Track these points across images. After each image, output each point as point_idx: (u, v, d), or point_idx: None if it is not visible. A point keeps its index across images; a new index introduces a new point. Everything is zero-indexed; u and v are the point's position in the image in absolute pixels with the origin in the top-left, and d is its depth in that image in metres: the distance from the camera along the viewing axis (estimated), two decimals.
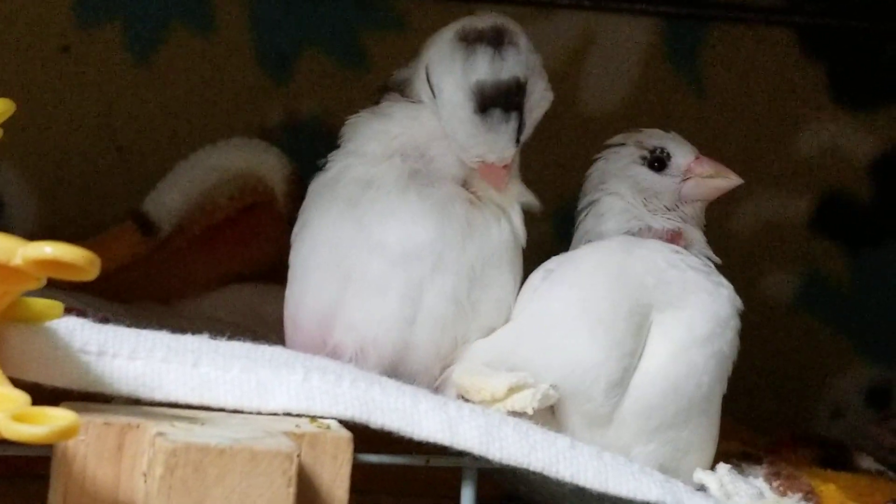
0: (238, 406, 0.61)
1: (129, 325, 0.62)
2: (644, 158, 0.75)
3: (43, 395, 0.56)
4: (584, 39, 1.07)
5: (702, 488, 0.68)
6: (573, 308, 0.70)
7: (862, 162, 1.10)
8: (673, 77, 1.08)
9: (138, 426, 0.57)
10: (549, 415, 0.69)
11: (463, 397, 0.68)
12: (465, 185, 0.72)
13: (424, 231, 0.70)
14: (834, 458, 0.81)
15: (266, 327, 0.79)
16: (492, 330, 0.72)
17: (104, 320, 0.62)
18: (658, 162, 0.75)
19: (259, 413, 0.61)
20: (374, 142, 0.73)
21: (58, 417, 0.51)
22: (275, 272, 0.77)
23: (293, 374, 0.62)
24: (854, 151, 1.09)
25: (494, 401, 0.67)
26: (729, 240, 1.07)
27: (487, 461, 0.63)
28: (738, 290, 0.74)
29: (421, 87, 0.72)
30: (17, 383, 0.55)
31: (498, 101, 0.69)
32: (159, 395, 0.60)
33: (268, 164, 0.90)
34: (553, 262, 0.73)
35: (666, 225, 0.74)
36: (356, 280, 0.70)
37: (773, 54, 1.09)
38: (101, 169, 1.00)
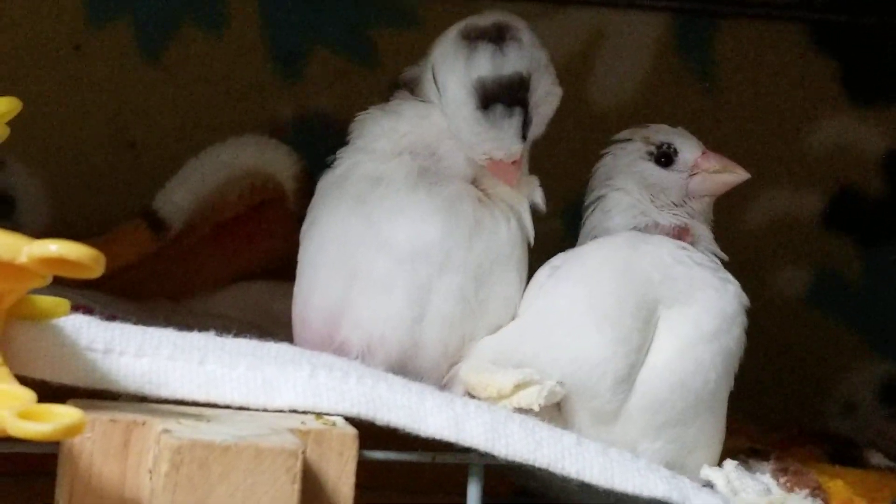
0: (244, 403, 0.61)
1: (136, 323, 0.63)
2: (651, 154, 0.75)
3: (50, 392, 0.56)
4: (595, 35, 1.07)
5: (708, 485, 0.68)
6: (579, 304, 0.70)
7: (874, 157, 1.09)
8: (684, 73, 1.08)
9: (144, 423, 0.57)
10: (556, 411, 0.69)
11: (470, 394, 0.69)
12: (474, 182, 0.73)
13: (433, 229, 0.70)
14: (843, 454, 0.81)
15: (276, 324, 0.79)
16: (499, 327, 0.72)
17: (111, 318, 0.63)
18: (665, 157, 0.75)
19: (265, 410, 0.61)
20: (384, 139, 0.73)
21: (63, 415, 0.52)
22: (285, 269, 0.77)
23: (299, 372, 0.62)
24: (866, 147, 1.09)
25: (501, 397, 0.67)
26: (741, 236, 1.07)
27: (493, 458, 0.63)
28: (751, 286, 0.74)
29: (428, 86, 0.72)
30: (24, 381, 0.55)
31: (500, 96, 0.69)
32: (165, 393, 0.60)
33: (277, 161, 0.90)
34: (559, 259, 0.74)
35: (673, 221, 0.74)
36: (364, 277, 0.70)
37: (784, 50, 1.08)
38: (113, 167, 1.01)
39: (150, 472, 0.56)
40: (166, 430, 0.56)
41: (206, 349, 0.62)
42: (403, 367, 0.70)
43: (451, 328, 0.71)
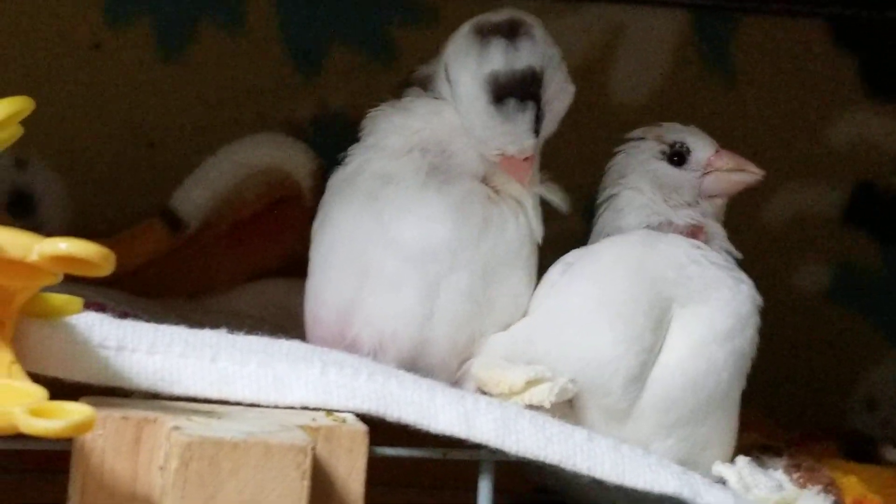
0: (255, 400, 0.62)
1: (152, 320, 0.63)
2: (664, 153, 0.75)
3: (63, 390, 0.56)
4: (614, 32, 1.07)
5: (721, 481, 0.68)
6: (592, 302, 0.70)
7: (894, 152, 1.09)
8: (703, 69, 1.08)
9: (155, 420, 0.58)
10: (568, 409, 0.69)
11: (482, 390, 0.69)
12: (484, 180, 0.73)
13: (442, 228, 0.70)
14: (859, 450, 0.80)
15: (293, 321, 0.79)
16: (507, 325, 0.72)
17: (123, 315, 0.63)
18: (678, 156, 0.75)
19: (276, 407, 0.62)
20: (395, 136, 0.73)
21: (74, 412, 0.52)
22: (302, 267, 0.77)
23: (310, 369, 0.63)
24: (886, 142, 1.09)
25: (512, 394, 0.67)
26: (761, 232, 1.07)
27: (504, 454, 0.63)
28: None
29: (441, 83, 0.73)
30: (37, 378, 0.56)
31: (513, 90, 0.69)
32: (178, 390, 0.61)
33: (294, 159, 0.91)
34: (572, 256, 0.74)
35: (686, 220, 0.74)
36: (374, 275, 0.71)
37: (804, 46, 1.08)
38: (133, 166, 1.01)
39: (161, 468, 0.57)
40: (176, 427, 0.56)
41: (218, 346, 0.62)
42: (414, 364, 0.70)
43: (460, 325, 0.71)
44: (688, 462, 0.68)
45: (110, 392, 0.60)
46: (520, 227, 0.73)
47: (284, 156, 0.91)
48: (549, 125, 0.72)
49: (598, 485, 0.64)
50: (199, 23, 1.02)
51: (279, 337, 0.65)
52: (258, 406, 0.62)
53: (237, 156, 0.90)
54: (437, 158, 0.72)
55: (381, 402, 0.62)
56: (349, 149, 0.75)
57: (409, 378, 0.64)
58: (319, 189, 0.84)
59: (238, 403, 0.62)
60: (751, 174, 0.74)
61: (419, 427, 0.62)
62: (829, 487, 0.69)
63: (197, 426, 0.57)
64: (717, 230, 0.75)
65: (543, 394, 0.67)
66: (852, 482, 0.71)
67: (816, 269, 1.09)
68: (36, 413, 0.52)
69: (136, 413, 0.58)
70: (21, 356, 0.57)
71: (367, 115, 0.75)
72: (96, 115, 1.01)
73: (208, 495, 0.55)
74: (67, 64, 1.00)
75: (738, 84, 1.08)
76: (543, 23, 0.73)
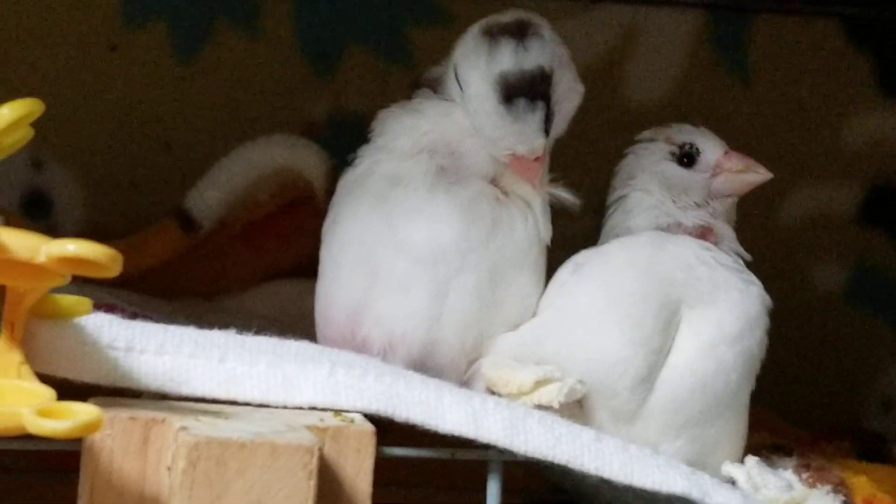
0: (264, 401, 0.62)
1: (163, 321, 0.63)
2: (673, 154, 0.75)
3: (72, 390, 0.57)
4: (629, 32, 1.07)
5: (730, 481, 0.68)
6: (601, 303, 0.70)
7: None
8: (718, 69, 1.08)
9: (163, 420, 0.58)
10: (577, 409, 0.69)
11: (491, 390, 0.69)
12: (493, 182, 0.73)
13: (450, 230, 0.71)
14: (871, 450, 0.80)
15: (307, 322, 0.79)
16: (516, 325, 0.72)
17: (133, 316, 0.63)
18: (687, 157, 0.75)
19: (285, 407, 0.62)
20: (404, 137, 0.73)
21: (82, 412, 0.52)
22: (315, 268, 0.78)
23: (319, 369, 0.63)
24: None
25: (521, 394, 0.67)
26: (777, 232, 1.06)
27: (512, 454, 0.63)
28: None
29: (450, 84, 0.73)
30: (46, 379, 0.56)
31: (523, 90, 0.69)
32: (186, 390, 0.61)
33: (308, 160, 0.91)
34: (582, 256, 0.74)
35: (696, 221, 0.74)
36: (384, 276, 0.71)
37: (819, 45, 1.08)
38: (149, 166, 1.01)
39: (169, 468, 0.57)
40: (184, 428, 0.56)
41: (227, 347, 0.63)
42: (423, 364, 0.70)
43: (469, 326, 0.71)
44: (697, 463, 0.68)
45: (119, 393, 0.61)
46: (528, 228, 0.73)
47: (298, 157, 0.91)
48: (559, 125, 0.72)
49: (607, 485, 0.64)
50: (215, 24, 1.03)
51: (289, 337, 0.66)
52: (267, 406, 0.62)
53: (250, 157, 0.90)
54: (447, 160, 0.72)
55: (390, 403, 0.62)
56: (359, 150, 0.75)
57: (416, 378, 0.64)
58: (333, 190, 0.85)
59: (247, 404, 0.62)
60: (760, 175, 0.74)
61: (427, 427, 0.62)
62: (839, 487, 0.69)
63: (204, 426, 0.57)
64: (727, 231, 0.75)
65: (552, 394, 0.67)
66: (862, 482, 0.71)
67: (832, 269, 1.09)
68: (44, 413, 0.52)
69: (144, 413, 0.58)
70: (30, 357, 0.57)
71: (377, 117, 0.75)
72: (112, 116, 1.01)
73: (215, 495, 0.56)
74: (84, 65, 1.01)
75: (752, 84, 1.08)
76: (559, 23, 0.73)
